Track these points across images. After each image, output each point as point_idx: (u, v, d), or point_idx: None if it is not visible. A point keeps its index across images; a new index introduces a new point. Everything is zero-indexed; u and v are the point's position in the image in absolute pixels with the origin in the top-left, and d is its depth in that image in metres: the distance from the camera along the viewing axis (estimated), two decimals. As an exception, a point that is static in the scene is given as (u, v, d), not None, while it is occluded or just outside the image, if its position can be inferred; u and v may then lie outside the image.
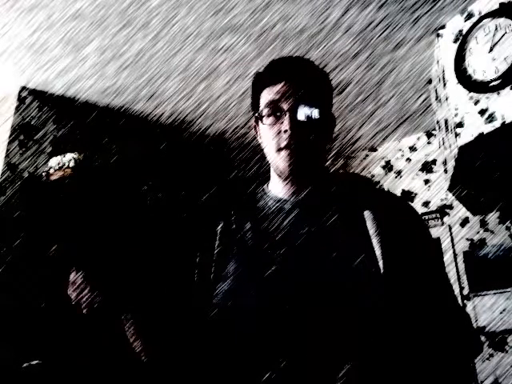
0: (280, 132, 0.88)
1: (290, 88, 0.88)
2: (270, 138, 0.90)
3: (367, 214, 0.85)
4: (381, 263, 0.78)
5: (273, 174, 0.97)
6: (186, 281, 0.89)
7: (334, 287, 0.77)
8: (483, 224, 3.26)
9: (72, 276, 0.77)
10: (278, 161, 0.89)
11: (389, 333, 0.75)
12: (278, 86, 0.89)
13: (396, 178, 3.77)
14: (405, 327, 0.76)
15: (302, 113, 0.86)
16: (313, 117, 0.87)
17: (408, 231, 0.85)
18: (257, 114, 0.93)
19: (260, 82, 0.94)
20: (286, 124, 0.86)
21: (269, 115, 0.90)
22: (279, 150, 0.88)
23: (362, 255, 0.80)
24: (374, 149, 3.96)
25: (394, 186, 3.73)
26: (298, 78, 0.89)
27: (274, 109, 0.89)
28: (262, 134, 0.95)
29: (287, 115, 0.86)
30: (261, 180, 1.01)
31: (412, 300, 0.78)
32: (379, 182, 3.82)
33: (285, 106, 0.87)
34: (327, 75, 0.96)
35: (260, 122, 0.93)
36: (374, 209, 0.86)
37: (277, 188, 0.95)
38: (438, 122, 3.03)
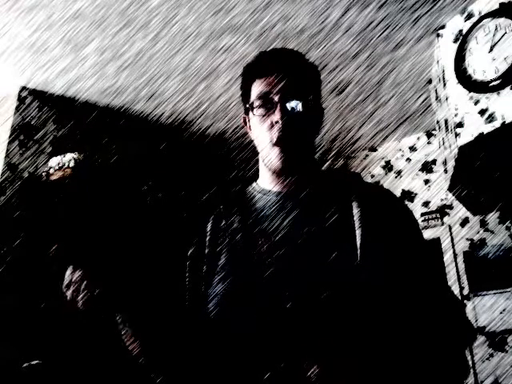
0: (271, 123, 0.88)
1: (281, 80, 0.88)
2: (261, 129, 0.90)
3: (354, 206, 0.86)
4: (359, 253, 0.79)
5: (262, 168, 0.97)
6: (183, 281, 0.89)
7: (326, 282, 0.77)
8: (483, 224, 3.26)
9: (69, 275, 0.77)
10: (269, 153, 0.89)
11: (384, 326, 0.75)
12: (269, 78, 0.89)
13: (396, 178, 3.77)
14: (398, 318, 0.77)
15: (293, 104, 0.87)
16: (303, 108, 0.88)
17: (394, 224, 0.86)
18: (247, 105, 0.94)
19: (251, 73, 0.95)
20: (277, 115, 0.87)
21: (260, 107, 0.90)
22: (271, 142, 0.88)
23: (350, 248, 0.80)
24: (374, 149, 3.96)
25: (394, 185, 3.73)
26: (288, 70, 0.90)
27: (266, 101, 0.89)
28: (252, 126, 0.95)
29: (278, 107, 0.87)
30: (250, 177, 1.01)
31: (399, 290, 0.78)
32: (379, 182, 3.82)
33: (276, 98, 0.88)
34: (316, 67, 0.97)
35: (251, 113, 0.93)
36: (361, 201, 0.87)
37: (266, 182, 0.95)
38: (438, 121, 3.03)
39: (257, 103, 0.91)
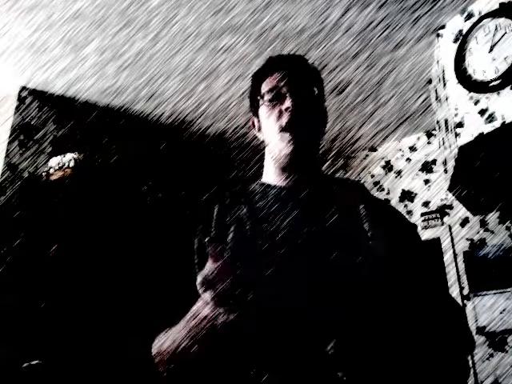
0: (281, 111, 0.92)
1: (288, 75, 0.94)
2: (271, 119, 0.93)
3: (359, 203, 0.90)
4: (371, 242, 0.82)
5: (268, 164, 1.00)
6: (187, 279, 0.89)
7: (333, 280, 0.78)
8: (483, 224, 3.26)
9: None
10: (279, 141, 0.92)
11: (385, 326, 0.76)
12: (278, 74, 0.95)
13: (396, 178, 3.77)
14: (398, 319, 0.77)
15: (302, 94, 0.92)
16: (310, 99, 0.93)
17: (396, 226, 0.90)
18: (258, 97, 0.98)
19: (260, 75, 1.00)
20: (287, 102, 0.91)
21: (270, 99, 0.94)
22: (280, 129, 0.91)
23: (360, 246, 0.82)
24: (373, 149, 3.96)
25: (394, 185, 3.73)
26: (295, 67, 0.96)
27: (276, 93, 0.94)
28: (262, 119, 0.98)
29: (288, 95, 0.91)
30: (250, 177, 1.03)
31: (401, 291, 0.80)
32: (379, 181, 3.82)
33: (285, 89, 0.93)
34: (319, 73, 1.02)
35: (261, 108, 0.97)
36: (365, 200, 0.91)
37: (271, 178, 0.97)
38: (438, 121, 3.03)
39: (267, 96, 0.95)
